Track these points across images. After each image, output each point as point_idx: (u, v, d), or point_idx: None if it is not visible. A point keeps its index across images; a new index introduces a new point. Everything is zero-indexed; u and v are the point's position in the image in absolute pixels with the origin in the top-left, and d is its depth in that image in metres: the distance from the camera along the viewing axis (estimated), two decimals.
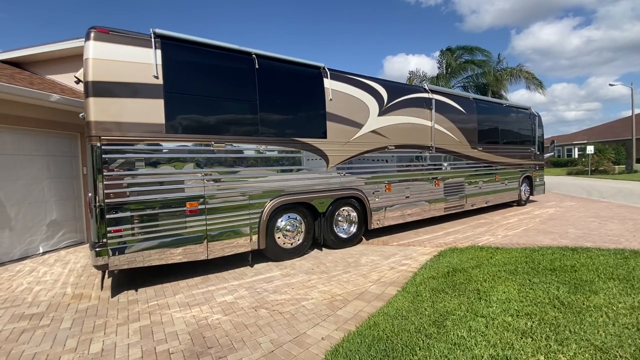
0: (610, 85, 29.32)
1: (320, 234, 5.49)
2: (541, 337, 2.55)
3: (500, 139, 8.91)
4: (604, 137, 34.66)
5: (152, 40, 4.00)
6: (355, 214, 5.89)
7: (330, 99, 5.44)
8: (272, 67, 4.97)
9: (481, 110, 8.27)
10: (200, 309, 3.44)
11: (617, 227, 6.50)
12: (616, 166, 26.55)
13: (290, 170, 5.07)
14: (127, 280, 4.39)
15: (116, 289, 4.08)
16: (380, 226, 6.23)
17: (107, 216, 3.69)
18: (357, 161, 5.81)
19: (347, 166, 5.68)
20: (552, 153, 12.90)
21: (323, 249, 5.68)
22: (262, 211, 4.74)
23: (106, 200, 3.68)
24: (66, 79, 7.54)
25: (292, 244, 5.18)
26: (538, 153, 10.39)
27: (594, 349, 2.37)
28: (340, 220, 5.78)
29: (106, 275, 4.42)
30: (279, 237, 5.03)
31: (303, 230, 5.29)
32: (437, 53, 21.29)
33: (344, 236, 5.80)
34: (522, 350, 2.39)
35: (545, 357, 2.31)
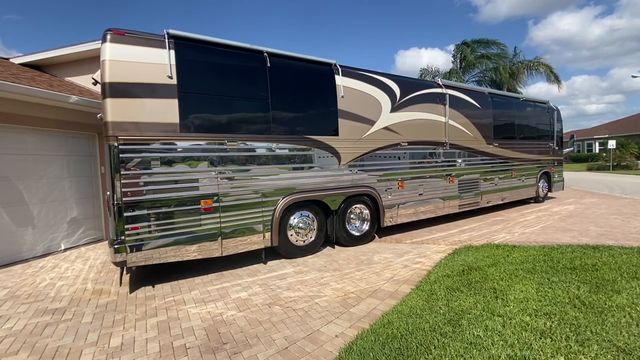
0: (634, 77, 28.14)
1: (332, 232, 5.49)
2: (561, 337, 2.48)
3: (516, 134, 8.69)
4: (626, 131, 33.37)
5: (166, 40, 4.06)
6: (367, 211, 5.86)
7: (342, 96, 5.41)
8: (284, 65, 4.98)
9: (497, 105, 8.08)
10: (215, 305, 3.50)
11: None
12: (639, 161, 25.55)
13: (302, 168, 5.08)
14: (145, 276, 4.49)
15: (134, 285, 4.18)
16: (393, 224, 6.18)
17: (125, 214, 3.78)
18: (369, 158, 5.77)
19: (359, 163, 5.65)
20: (572, 148, 12.50)
21: (335, 246, 5.68)
22: (275, 209, 4.77)
23: (124, 199, 3.77)
24: (84, 80, 7.74)
25: (304, 242, 5.20)
26: (557, 148, 10.10)
27: (617, 350, 2.29)
28: (352, 218, 5.76)
29: (124, 272, 4.56)
30: (291, 235, 5.06)
31: (315, 227, 5.30)
32: (452, 47, 20.90)
33: (357, 234, 5.78)
34: (541, 350, 2.34)
35: (565, 358, 2.25)
